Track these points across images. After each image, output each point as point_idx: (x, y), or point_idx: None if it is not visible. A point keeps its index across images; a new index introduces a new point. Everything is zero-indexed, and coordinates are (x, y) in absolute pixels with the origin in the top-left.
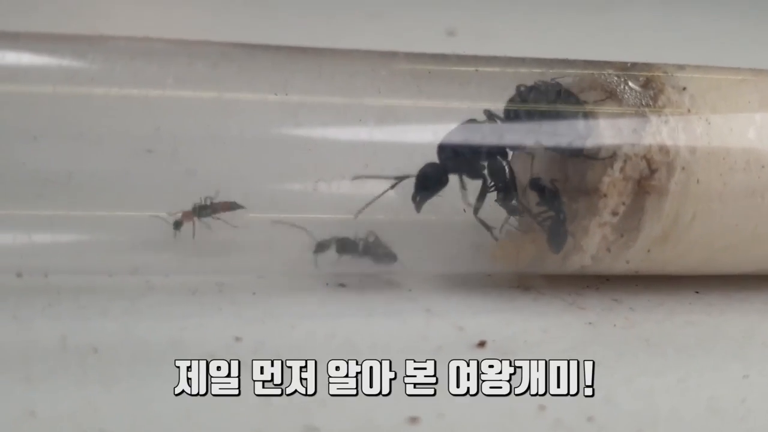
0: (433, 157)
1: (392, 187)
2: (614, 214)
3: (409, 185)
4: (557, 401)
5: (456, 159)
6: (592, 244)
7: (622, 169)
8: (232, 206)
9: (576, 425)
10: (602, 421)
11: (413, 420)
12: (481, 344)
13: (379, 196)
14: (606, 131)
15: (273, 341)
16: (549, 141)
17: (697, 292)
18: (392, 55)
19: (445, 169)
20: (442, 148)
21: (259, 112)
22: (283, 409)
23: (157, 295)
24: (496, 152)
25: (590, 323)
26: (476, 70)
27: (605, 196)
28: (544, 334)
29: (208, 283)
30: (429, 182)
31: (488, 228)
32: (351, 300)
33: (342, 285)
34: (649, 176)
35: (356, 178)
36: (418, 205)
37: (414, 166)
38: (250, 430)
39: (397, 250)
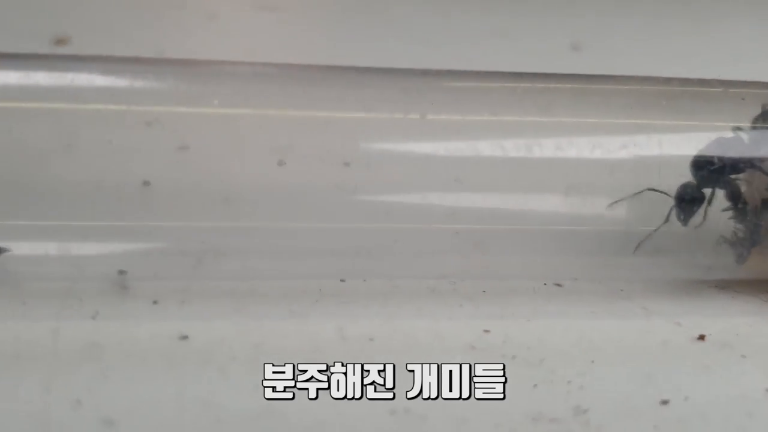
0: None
1: (648, 189)
2: None
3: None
4: None
5: (707, 175)
6: None
7: None
8: None
9: None
10: None
11: (664, 402)
12: (701, 337)
13: (631, 197)
14: None
15: (517, 334)
16: None
17: None
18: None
19: (699, 185)
20: (695, 165)
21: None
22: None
23: (402, 294)
24: (737, 168)
25: None
26: (743, 98)
27: None
28: (751, 328)
29: (442, 284)
30: (687, 201)
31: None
32: (570, 299)
33: (558, 285)
34: None
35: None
36: (684, 222)
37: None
38: None
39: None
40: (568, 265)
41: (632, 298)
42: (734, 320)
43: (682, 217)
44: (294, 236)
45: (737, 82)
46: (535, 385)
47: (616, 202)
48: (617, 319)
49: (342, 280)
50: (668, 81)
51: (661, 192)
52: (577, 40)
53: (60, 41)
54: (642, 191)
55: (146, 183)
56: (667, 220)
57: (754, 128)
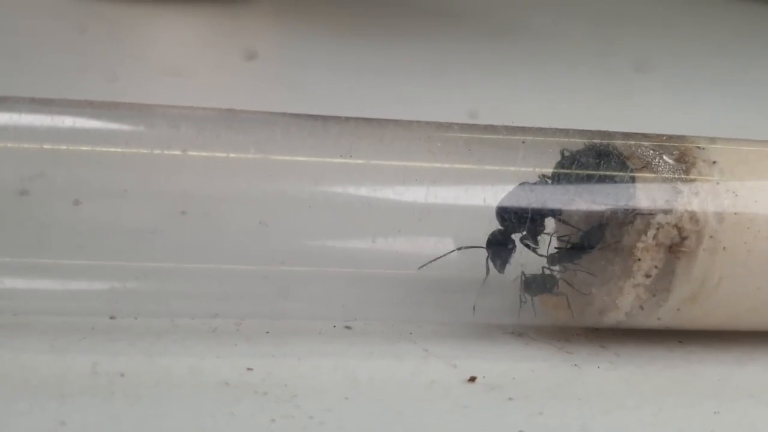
0: (478, 215)
1: (458, 249)
2: (647, 276)
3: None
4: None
5: (514, 221)
6: (627, 303)
7: (655, 236)
8: None
9: None
10: None
11: None
12: (472, 379)
13: (442, 257)
14: (642, 200)
15: (281, 372)
16: (589, 204)
17: (680, 342)
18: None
19: (507, 232)
20: (500, 213)
21: (327, 173)
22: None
23: (180, 333)
24: (541, 214)
25: (576, 365)
26: (523, 141)
27: (639, 260)
28: (531, 373)
29: (227, 323)
30: (498, 248)
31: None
32: (355, 340)
33: (348, 327)
34: (679, 243)
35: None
36: (500, 269)
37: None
38: None
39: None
40: (367, 308)
41: (418, 341)
42: (517, 365)
43: (498, 264)
44: (72, 273)
45: (527, 129)
46: (273, 420)
47: (427, 263)
48: (393, 360)
49: (112, 318)
50: (470, 127)
51: (472, 247)
52: (475, 108)
53: None
54: (452, 251)
55: None
56: (488, 271)
57: (556, 175)
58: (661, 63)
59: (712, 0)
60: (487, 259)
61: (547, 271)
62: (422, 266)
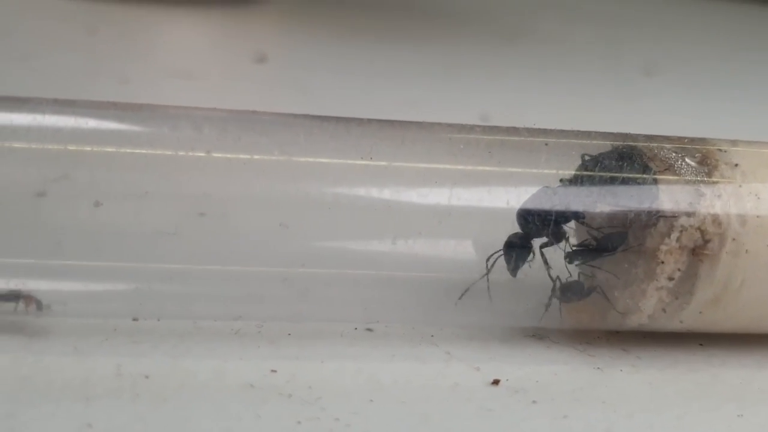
0: (498, 218)
1: (487, 263)
2: (670, 279)
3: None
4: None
5: (534, 225)
6: (650, 306)
7: (678, 239)
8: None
9: None
10: None
11: None
12: (495, 382)
13: (477, 281)
14: (665, 202)
15: (304, 374)
16: (612, 207)
17: (701, 345)
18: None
19: (527, 236)
20: (521, 216)
21: (348, 175)
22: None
23: (203, 335)
24: (562, 218)
25: (598, 368)
26: (546, 144)
27: (662, 262)
28: (554, 376)
29: (249, 325)
30: (515, 251)
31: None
32: (377, 343)
33: (369, 330)
34: (702, 246)
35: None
36: (513, 272)
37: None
38: None
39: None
40: (387, 310)
41: (440, 343)
42: (540, 368)
43: (511, 267)
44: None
45: (548, 131)
46: (299, 422)
47: (464, 293)
48: (415, 363)
49: (134, 319)
50: (492, 129)
51: (495, 253)
52: (486, 112)
53: None
54: (485, 276)
55: None
56: (488, 271)
57: (575, 178)
58: (670, 67)
59: (722, 3)
60: (487, 259)
61: (582, 278)
62: (461, 297)
